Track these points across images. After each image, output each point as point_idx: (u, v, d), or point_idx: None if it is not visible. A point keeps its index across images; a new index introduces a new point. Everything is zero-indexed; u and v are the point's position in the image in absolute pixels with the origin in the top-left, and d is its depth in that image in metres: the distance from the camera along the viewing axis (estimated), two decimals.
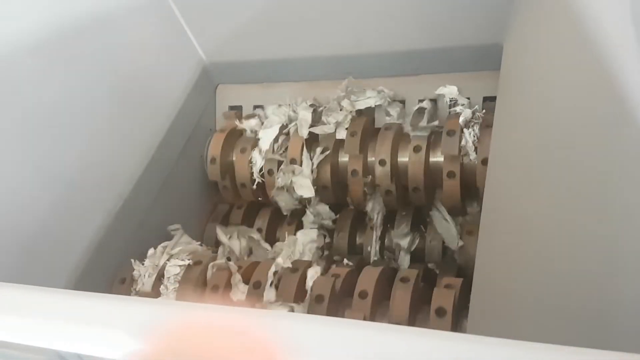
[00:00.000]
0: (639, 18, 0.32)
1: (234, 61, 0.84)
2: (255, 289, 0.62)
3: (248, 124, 0.82)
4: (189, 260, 0.66)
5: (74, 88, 0.66)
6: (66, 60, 0.65)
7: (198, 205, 0.85)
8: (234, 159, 0.82)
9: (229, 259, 0.71)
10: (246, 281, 0.64)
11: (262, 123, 0.81)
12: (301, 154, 0.76)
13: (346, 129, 0.74)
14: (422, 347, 0.24)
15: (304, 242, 0.76)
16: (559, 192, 0.39)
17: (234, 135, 0.83)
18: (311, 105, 0.80)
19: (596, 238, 0.32)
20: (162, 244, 0.69)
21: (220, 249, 0.78)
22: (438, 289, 0.57)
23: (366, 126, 0.74)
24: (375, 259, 0.75)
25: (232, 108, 0.87)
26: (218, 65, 0.85)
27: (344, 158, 0.76)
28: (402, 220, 0.75)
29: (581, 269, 0.33)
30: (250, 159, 0.80)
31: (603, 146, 0.33)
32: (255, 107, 0.86)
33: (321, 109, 0.79)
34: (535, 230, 0.41)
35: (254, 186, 0.80)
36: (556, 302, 0.35)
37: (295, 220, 0.82)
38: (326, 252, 0.77)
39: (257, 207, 0.85)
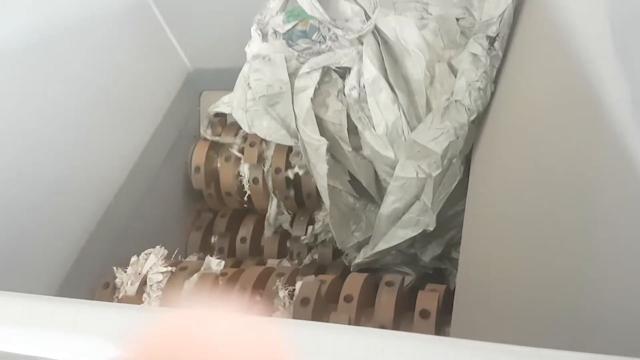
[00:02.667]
0: (617, 27, 0.33)
1: (218, 68, 0.84)
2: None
3: (236, 146, 0.81)
4: (171, 267, 0.66)
5: (56, 93, 0.65)
6: (49, 66, 0.65)
7: (181, 213, 0.85)
8: (218, 166, 0.82)
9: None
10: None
11: (246, 137, 0.81)
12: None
13: None
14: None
15: None
16: (539, 196, 0.39)
17: (218, 144, 0.82)
18: None
19: (578, 240, 0.33)
20: (145, 251, 0.69)
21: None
22: (422, 291, 0.57)
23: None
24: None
25: (216, 115, 0.87)
26: (202, 71, 0.85)
27: None
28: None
29: (564, 271, 0.34)
30: (239, 172, 0.79)
31: (582, 150, 0.34)
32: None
33: None
34: (517, 234, 0.42)
35: (246, 197, 0.80)
36: (540, 305, 0.36)
37: (280, 228, 0.82)
38: None
39: (241, 215, 0.85)
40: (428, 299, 0.55)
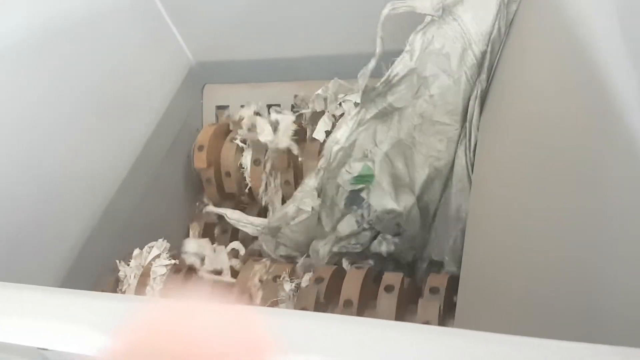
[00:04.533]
0: (625, 17, 0.33)
1: (221, 61, 0.84)
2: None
3: (241, 135, 0.80)
4: (175, 260, 0.66)
5: (58, 87, 0.65)
6: (51, 59, 0.64)
7: (184, 207, 0.85)
8: (221, 150, 0.80)
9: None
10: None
11: (248, 130, 0.80)
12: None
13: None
14: (415, 342, 0.24)
15: None
16: (546, 188, 0.39)
17: (225, 130, 0.82)
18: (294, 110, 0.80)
19: (583, 232, 0.32)
20: (148, 245, 0.69)
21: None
22: (422, 299, 0.56)
23: None
24: None
25: (219, 108, 0.87)
26: (205, 64, 0.85)
27: None
28: None
29: (569, 263, 0.34)
30: (241, 164, 0.79)
31: (590, 143, 0.34)
32: (243, 107, 0.86)
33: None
34: (521, 226, 0.42)
35: (247, 190, 0.79)
36: (544, 296, 0.36)
37: None
38: None
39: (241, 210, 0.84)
40: (429, 308, 0.54)
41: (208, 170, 0.80)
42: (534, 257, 0.38)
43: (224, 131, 0.81)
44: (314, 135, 0.74)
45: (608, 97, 0.31)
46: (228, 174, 0.80)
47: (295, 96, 0.81)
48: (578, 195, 0.34)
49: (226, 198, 0.83)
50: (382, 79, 0.65)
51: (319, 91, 0.75)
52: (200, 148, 0.79)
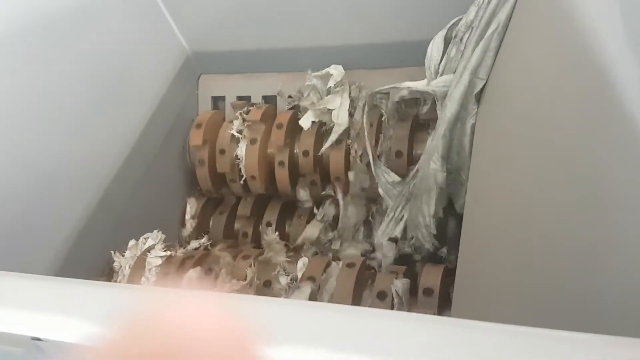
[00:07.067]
0: (627, 12, 0.32)
1: (217, 51, 0.83)
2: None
3: (234, 127, 0.79)
4: (170, 251, 0.66)
5: (53, 77, 0.64)
6: (45, 49, 0.64)
7: (179, 197, 0.84)
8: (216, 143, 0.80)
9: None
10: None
11: (244, 121, 0.79)
12: None
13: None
14: (403, 330, 0.24)
15: None
16: (546, 179, 0.39)
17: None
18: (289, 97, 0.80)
19: (582, 219, 0.32)
20: (144, 236, 0.69)
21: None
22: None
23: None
24: None
25: (215, 98, 0.86)
26: (201, 54, 0.84)
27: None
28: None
29: (566, 253, 0.33)
30: (236, 155, 0.78)
31: (591, 133, 0.33)
32: (239, 97, 0.85)
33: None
34: (521, 215, 0.41)
35: (242, 181, 0.78)
36: (541, 286, 0.35)
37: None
38: None
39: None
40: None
41: (203, 147, 0.79)
42: (533, 249, 0.38)
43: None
44: (299, 123, 0.74)
45: (608, 86, 0.31)
46: (222, 152, 0.79)
47: (278, 92, 0.80)
48: (579, 186, 0.34)
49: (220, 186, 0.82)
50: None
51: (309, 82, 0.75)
52: (198, 126, 0.78)
